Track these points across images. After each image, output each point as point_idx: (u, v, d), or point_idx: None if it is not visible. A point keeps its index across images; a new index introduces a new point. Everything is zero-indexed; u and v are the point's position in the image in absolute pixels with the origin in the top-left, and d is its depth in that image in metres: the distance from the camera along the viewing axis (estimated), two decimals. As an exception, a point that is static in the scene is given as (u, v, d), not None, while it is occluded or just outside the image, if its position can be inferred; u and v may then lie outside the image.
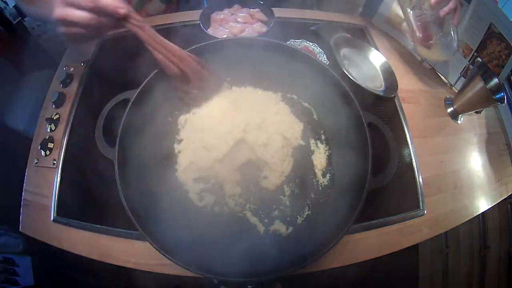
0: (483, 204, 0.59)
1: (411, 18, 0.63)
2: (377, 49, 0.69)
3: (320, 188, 0.50)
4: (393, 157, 0.47)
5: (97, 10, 0.39)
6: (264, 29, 0.66)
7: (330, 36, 0.67)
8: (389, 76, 0.66)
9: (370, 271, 1.07)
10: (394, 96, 0.63)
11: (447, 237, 0.91)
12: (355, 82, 0.60)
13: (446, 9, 0.56)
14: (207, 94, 0.53)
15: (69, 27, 0.40)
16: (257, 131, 0.51)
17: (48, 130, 0.57)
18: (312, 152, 0.53)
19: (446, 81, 0.70)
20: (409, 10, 0.63)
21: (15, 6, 1.09)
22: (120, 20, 0.42)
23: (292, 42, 0.68)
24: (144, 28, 0.44)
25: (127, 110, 0.46)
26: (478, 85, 0.58)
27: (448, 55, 0.65)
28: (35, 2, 0.53)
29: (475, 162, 0.62)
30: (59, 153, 0.55)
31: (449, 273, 0.93)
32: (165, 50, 0.46)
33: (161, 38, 0.46)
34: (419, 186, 0.55)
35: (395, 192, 0.54)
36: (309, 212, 0.48)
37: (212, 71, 0.52)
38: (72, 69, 0.63)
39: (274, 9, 0.68)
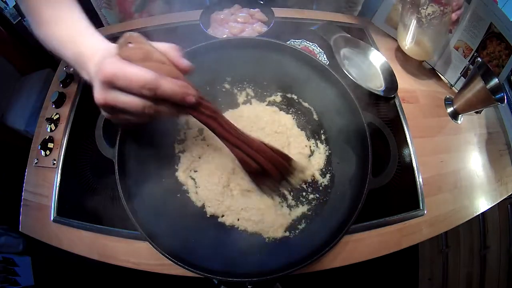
0: (483, 204, 0.59)
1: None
2: (377, 49, 0.69)
3: (320, 188, 0.50)
4: (393, 157, 0.47)
5: (157, 98, 0.29)
6: (264, 29, 0.66)
7: (330, 36, 0.67)
8: (389, 76, 0.66)
9: (370, 271, 1.07)
10: (394, 96, 0.63)
11: (447, 237, 0.91)
12: (355, 82, 0.60)
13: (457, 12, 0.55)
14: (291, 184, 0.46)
15: (117, 114, 0.31)
16: (257, 132, 0.51)
17: (48, 130, 0.57)
18: (312, 152, 0.53)
19: (446, 81, 0.70)
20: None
21: (15, 6, 1.09)
22: (188, 108, 0.33)
23: (292, 42, 0.68)
24: (217, 118, 0.36)
25: (127, 110, 0.46)
26: (478, 85, 0.58)
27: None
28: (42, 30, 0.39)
29: (475, 162, 0.62)
30: (59, 153, 0.55)
31: (449, 273, 0.93)
32: (243, 143, 0.39)
33: (238, 128, 0.39)
34: (419, 186, 0.55)
35: (395, 192, 0.54)
36: (309, 212, 0.48)
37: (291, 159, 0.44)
38: (72, 69, 0.63)
39: (274, 9, 0.68)
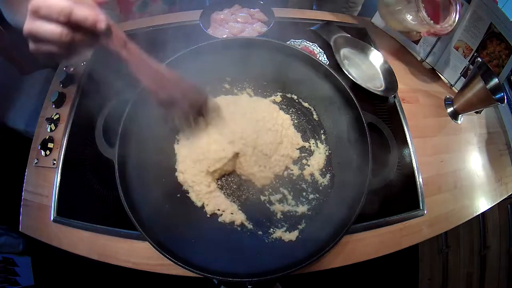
0: (483, 204, 0.59)
1: None
2: (377, 49, 0.69)
3: (320, 188, 0.50)
4: (393, 157, 0.47)
5: (72, 24, 0.32)
6: (264, 29, 0.66)
7: (330, 36, 0.67)
8: (389, 76, 0.66)
9: (370, 271, 1.07)
10: (394, 96, 0.63)
11: (447, 237, 0.91)
12: (355, 82, 0.60)
13: None
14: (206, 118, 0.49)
15: (39, 43, 0.34)
16: (250, 121, 0.51)
17: (48, 130, 0.57)
18: (312, 152, 0.53)
19: (446, 81, 0.70)
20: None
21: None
22: (99, 36, 0.35)
23: (292, 42, 0.68)
24: (127, 46, 0.37)
25: (127, 110, 0.46)
26: (478, 85, 0.58)
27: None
28: (18, 11, 0.43)
29: (475, 162, 0.62)
30: (59, 153, 0.55)
31: (449, 273, 0.93)
32: (153, 72, 0.40)
33: (148, 58, 0.40)
34: (419, 186, 0.55)
35: (395, 192, 0.54)
36: (309, 212, 0.48)
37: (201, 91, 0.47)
38: (72, 69, 0.63)
39: (274, 9, 0.68)
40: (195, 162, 0.49)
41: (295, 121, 0.55)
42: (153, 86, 0.40)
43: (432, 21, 0.57)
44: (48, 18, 0.32)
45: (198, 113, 0.47)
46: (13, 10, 0.42)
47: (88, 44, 0.35)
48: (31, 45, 0.35)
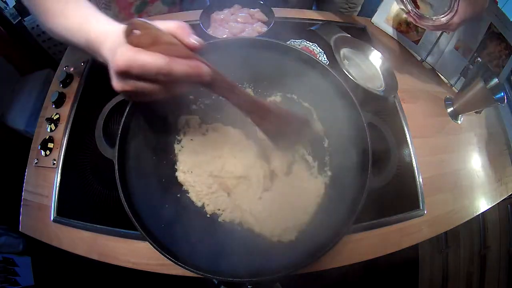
0: (483, 204, 0.59)
1: None
2: (377, 49, 0.69)
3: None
4: (393, 157, 0.47)
5: (172, 80, 0.30)
6: (264, 29, 0.66)
7: (330, 36, 0.67)
8: (389, 76, 0.66)
9: (370, 271, 1.07)
10: (394, 96, 0.63)
11: (447, 237, 0.91)
12: (355, 82, 0.60)
13: None
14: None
15: (136, 97, 0.32)
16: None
17: (48, 130, 0.57)
18: (312, 152, 0.53)
19: (446, 81, 0.70)
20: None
21: (15, 6, 1.09)
22: (204, 86, 0.34)
23: (292, 42, 0.68)
24: (235, 91, 0.37)
25: (127, 110, 0.46)
26: (478, 85, 0.58)
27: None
28: (50, 22, 0.40)
29: (475, 162, 0.62)
30: (59, 153, 0.55)
31: (449, 273, 0.93)
32: (261, 110, 0.41)
33: (258, 99, 0.41)
34: (419, 186, 0.55)
35: (395, 192, 0.54)
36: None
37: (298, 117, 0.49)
38: (72, 69, 0.63)
39: (274, 9, 0.68)
40: (198, 163, 0.49)
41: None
42: (268, 126, 0.43)
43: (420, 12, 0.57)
44: (143, 78, 0.29)
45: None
46: (47, 19, 0.40)
47: (192, 90, 0.36)
48: (125, 97, 0.34)
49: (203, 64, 0.31)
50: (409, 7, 0.58)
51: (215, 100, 0.55)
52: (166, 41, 0.29)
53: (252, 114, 0.41)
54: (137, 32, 0.28)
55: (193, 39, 0.31)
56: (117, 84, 0.30)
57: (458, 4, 0.54)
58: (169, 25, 0.30)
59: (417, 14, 0.57)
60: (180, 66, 0.29)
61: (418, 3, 0.59)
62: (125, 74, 0.29)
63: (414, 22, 0.59)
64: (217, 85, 0.35)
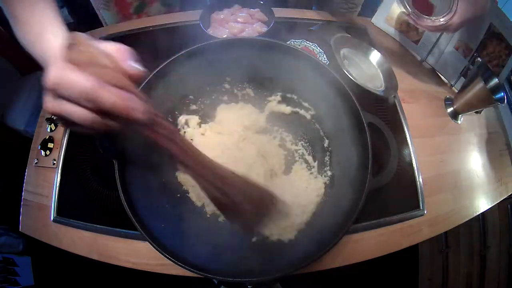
0: (483, 204, 0.59)
1: None
2: (377, 49, 0.69)
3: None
4: (393, 157, 0.47)
5: (100, 110, 0.25)
6: (264, 29, 0.66)
7: (330, 36, 0.67)
8: (389, 76, 0.66)
9: (370, 271, 1.07)
10: (394, 96, 0.63)
11: (447, 237, 0.91)
12: (355, 82, 0.60)
13: None
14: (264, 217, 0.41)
15: (68, 124, 0.27)
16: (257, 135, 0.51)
17: (48, 130, 0.57)
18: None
19: (446, 81, 0.70)
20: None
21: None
22: (137, 125, 0.28)
23: (292, 42, 0.68)
24: (176, 140, 0.31)
25: (127, 110, 0.45)
26: (478, 85, 0.58)
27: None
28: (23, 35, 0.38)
29: (475, 162, 0.62)
30: (59, 153, 0.55)
31: (449, 273, 0.93)
32: (210, 171, 0.34)
33: (202, 154, 0.34)
34: (419, 186, 0.55)
35: (395, 192, 0.54)
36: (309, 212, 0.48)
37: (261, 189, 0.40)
38: (72, 69, 0.63)
39: (274, 9, 0.68)
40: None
41: (295, 121, 0.55)
42: (211, 190, 0.35)
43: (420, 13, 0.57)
44: (70, 100, 0.24)
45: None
46: (15, 26, 0.38)
47: (127, 131, 0.29)
48: (60, 122, 0.28)
49: (138, 98, 0.26)
50: (408, 8, 0.58)
51: (214, 100, 0.55)
52: (101, 63, 0.25)
53: (196, 174, 0.34)
54: (76, 48, 0.25)
55: (131, 65, 0.27)
56: (46, 103, 0.26)
57: (457, 5, 0.54)
58: (109, 47, 0.27)
59: (416, 15, 0.57)
60: (108, 94, 0.24)
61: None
62: (54, 92, 0.25)
63: (413, 23, 0.59)
64: (154, 128, 0.29)
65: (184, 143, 0.32)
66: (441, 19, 0.55)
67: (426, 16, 0.57)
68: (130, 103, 0.25)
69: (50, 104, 0.25)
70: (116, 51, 0.27)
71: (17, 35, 0.38)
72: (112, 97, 0.24)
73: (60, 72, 0.24)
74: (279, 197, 0.41)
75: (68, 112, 0.25)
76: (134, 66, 0.27)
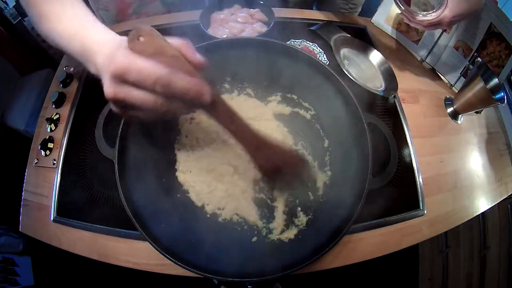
0: (483, 204, 0.59)
1: None
2: (377, 49, 0.69)
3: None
4: (393, 157, 0.47)
5: (169, 94, 0.27)
6: (264, 29, 0.66)
7: (330, 36, 0.67)
8: (389, 76, 0.66)
9: (370, 271, 1.07)
10: (394, 96, 0.63)
11: (447, 237, 0.91)
12: (355, 82, 0.60)
13: None
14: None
15: (126, 109, 0.29)
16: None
17: (48, 130, 0.57)
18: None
19: (446, 81, 0.70)
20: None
21: (15, 6, 1.09)
22: (202, 107, 0.32)
23: (292, 42, 0.68)
24: (234, 118, 0.36)
25: (127, 110, 0.45)
26: (478, 85, 0.58)
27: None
28: (42, 24, 0.38)
29: (475, 162, 0.62)
30: (59, 153, 0.55)
31: (449, 273, 0.93)
32: (259, 144, 0.39)
33: (254, 130, 0.38)
34: (419, 186, 0.55)
35: (395, 192, 0.54)
36: (309, 212, 0.48)
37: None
38: (72, 69, 0.63)
39: (274, 9, 0.68)
40: (198, 163, 0.49)
41: (295, 121, 0.55)
42: (264, 162, 0.41)
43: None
44: (139, 85, 0.26)
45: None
46: (42, 23, 0.38)
47: (187, 111, 0.33)
48: (115, 109, 0.30)
49: (206, 83, 0.29)
50: (402, 6, 0.58)
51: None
52: (170, 53, 0.28)
53: (249, 145, 0.39)
54: (141, 39, 0.27)
55: (198, 56, 0.30)
56: (109, 89, 0.27)
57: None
58: (174, 40, 0.29)
59: (409, 12, 0.57)
60: (181, 80, 0.27)
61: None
62: (120, 78, 0.26)
63: (407, 21, 0.59)
64: (217, 109, 0.33)
65: (242, 122, 0.37)
66: (433, 14, 0.55)
67: (418, 12, 0.57)
68: (200, 88, 0.28)
69: (113, 89, 0.27)
70: (182, 43, 0.30)
71: (45, 33, 0.38)
72: (184, 82, 0.27)
73: (131, 59, 0.26)
74: (306, 158, 0.48)
75: (133, 96, 0.27)
76: (199, 56, 0.30)
